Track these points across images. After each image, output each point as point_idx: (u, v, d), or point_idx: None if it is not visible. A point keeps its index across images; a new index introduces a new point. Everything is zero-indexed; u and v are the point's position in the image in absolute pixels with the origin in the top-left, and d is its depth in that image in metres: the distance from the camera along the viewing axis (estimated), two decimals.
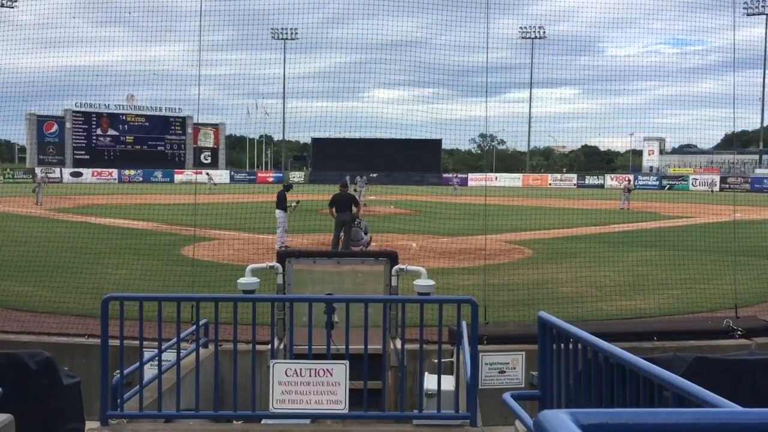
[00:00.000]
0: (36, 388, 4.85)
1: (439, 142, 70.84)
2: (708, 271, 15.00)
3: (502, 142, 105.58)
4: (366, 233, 18.81)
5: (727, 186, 63.70)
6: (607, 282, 14.97)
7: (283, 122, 68.69)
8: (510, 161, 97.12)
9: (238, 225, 21.06)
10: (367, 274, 8.62)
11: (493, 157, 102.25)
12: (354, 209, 18.74)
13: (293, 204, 20.84)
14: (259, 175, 79.12)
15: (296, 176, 74.35)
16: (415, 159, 75.07)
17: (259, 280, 7.98)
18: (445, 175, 74.91)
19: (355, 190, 39.36)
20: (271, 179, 73.81)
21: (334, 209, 18.76)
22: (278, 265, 8.14)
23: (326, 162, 75.46)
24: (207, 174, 60.88)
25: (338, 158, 71.31)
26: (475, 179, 71.46)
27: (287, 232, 20.08)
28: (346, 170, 59.40)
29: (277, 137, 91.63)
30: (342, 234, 18.55)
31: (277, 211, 20.18)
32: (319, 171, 74.45)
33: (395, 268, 8.17)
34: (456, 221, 25.48)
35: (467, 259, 17.92)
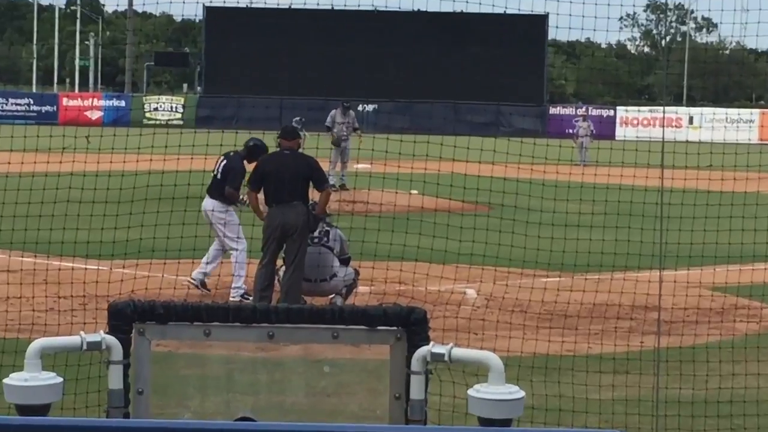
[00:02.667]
0: None
1: (542, 21, 50.40)
2: None
3: (706, 25, 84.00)
4: (348, 261, 15.44)
5: None
6: None
7: None
8: (723, 76, 77.12)
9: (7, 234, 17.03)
10: (350, 366, 6.38)
11: (684, 63, 71.22)
12: (317, 195, 15.12)
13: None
14: (66, 103, 58.99)
15: (165, 109, 58.91)
16: (477, 69, 56.73)
17: (61, 380, 5.30)
18: (555, 111, 58.97)
19: (343, 137, 31.23)
20: (98, 116, 55.44)
21: (261, 193, 15.18)
22: (112, 339, 5.74)
23: (243, 72, 53.75)
24: None
25: (275, 63, 54.35)
26: (632, 121, 54.73)
27: (248, 253, 16.39)
28: (294, 94, 47.53)
29: (114, 6, 73.62)
30: (284, 257, 14.95)
31: (209, 201, 16.69)
32: (221, 95, 55.16)
33: (421, 351, 5.15)
34: (581, 230, 20.20)
35: (607, 331, 14.72)
